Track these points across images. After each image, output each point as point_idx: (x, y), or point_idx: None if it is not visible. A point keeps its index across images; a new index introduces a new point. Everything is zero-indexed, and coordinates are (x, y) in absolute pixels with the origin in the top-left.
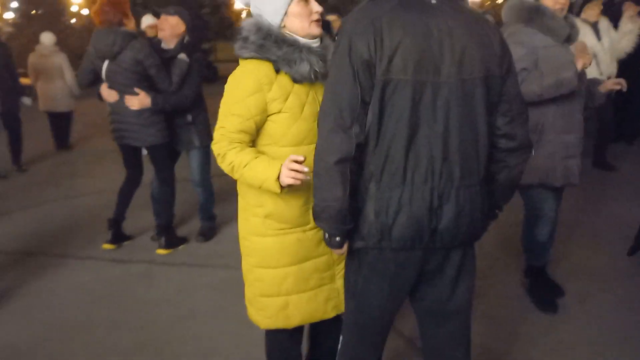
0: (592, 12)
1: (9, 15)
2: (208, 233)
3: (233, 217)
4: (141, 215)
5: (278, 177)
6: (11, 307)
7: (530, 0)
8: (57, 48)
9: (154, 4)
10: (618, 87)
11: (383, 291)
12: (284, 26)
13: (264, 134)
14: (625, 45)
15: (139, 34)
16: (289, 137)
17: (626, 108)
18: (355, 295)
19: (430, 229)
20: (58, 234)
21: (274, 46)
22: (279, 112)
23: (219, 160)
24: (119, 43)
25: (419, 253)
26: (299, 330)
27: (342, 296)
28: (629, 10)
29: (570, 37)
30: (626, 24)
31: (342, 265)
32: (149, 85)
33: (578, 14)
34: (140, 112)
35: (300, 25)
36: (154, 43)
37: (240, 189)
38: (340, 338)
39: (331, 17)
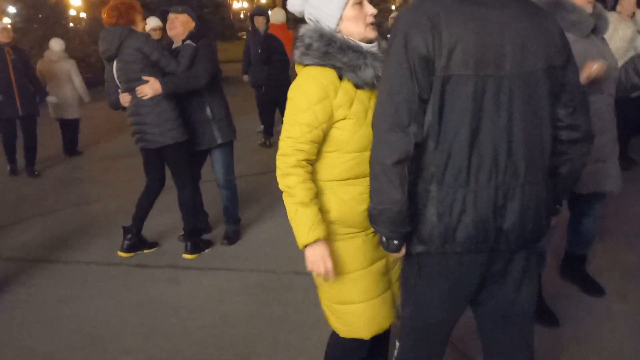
0: (627, 4)
1: (6, 20)
2: (233, 237)
3: (257, 219)
4: (162, 218)
5: (307, 243)
6: (42, 316)
7: None
8: (66, 54)
9: (155, 6)
10: None
11: (445, 297)
12: (339, 31)
13: (329, 141)
14: None
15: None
16: (354, 143)
17: None
18: (415, 302)
19: (495, 229)
20: (78, 241)
21: (338, 53)
22: (345, 118)
23: (278, 173)
24: (117, 37)
25: (483, 256)
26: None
27: (398, 301)
28: None
29: (597, 29)
30: None
31: (397, 269)
32: (158, 74)
33: (613, 8)
34: (152, 110)
35: (357, 29)
36: (164, 45)
37: None
38: (397, 344)
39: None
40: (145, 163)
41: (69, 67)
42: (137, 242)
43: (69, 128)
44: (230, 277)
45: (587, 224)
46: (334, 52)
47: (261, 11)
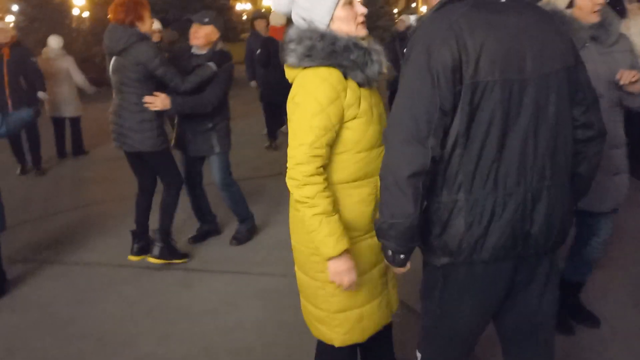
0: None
1: (10, 19)
2: (241, 237)
3: (266, 222)
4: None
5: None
6: (52, 319)
7: (547, 2)
8: (64, 52)
9: (160, 7)
10: None
11: (473, 308)
12: (331, 30)
13: (339, 143)
14: None
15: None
16: (365, 142)
17: None
18: (441, 314)
19: (523, 234)
20: (88, 242)
21: (345, 51)
22: (355, 117)
23: (294, 184)
24: (124, 40)
25: (509, 264)
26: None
27: (393, 297)
28: None
29: (598, 39)
30: None
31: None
32: (156, 86)
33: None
34: (133, 116)
35: (348, 28)
36: (183, 50)
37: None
38: (418, 355)
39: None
40: (130, 164)
41: (67, 65)
42: (145, 244)
43: (72, 127)
44: (242, 281)
45: (595, 246)
46: (339, 51)
47: (261, 14)
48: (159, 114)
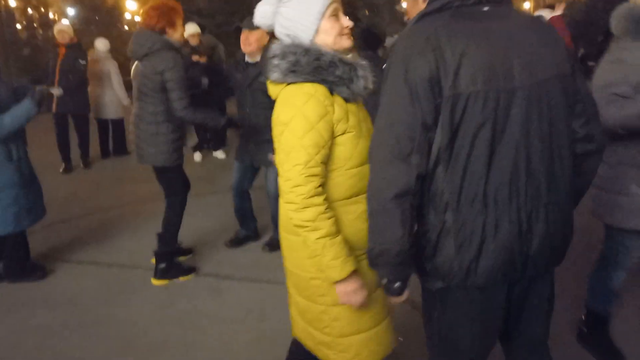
0: None
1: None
2: (274, 244)
3: None
4: (201, 223)
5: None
6: (81, 319)
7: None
8: (109, 55)
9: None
10: None
11: (473, 332)
12: (315, 43)
13: (331, 159)
14: None
15: (184, 43)
16: (356, 157)
17: None
18: (442, 338)
19: (522, 256)
20: (124, 243)
21: (330, 66)
22: (344, 132)
23: (292, 208)
24: (148, 45)
25: (506, 286)
26: None
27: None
28: None
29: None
30: None
31: None
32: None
33: None
34: (149, 127)
35: (333, 41)
36: (238, 60)
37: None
38: None
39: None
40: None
41: (110, 68)
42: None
43: (115, 128)
44: (273, 290)
45: (622, 271)
46: (325, 66)
47: None
48: (177, 128)
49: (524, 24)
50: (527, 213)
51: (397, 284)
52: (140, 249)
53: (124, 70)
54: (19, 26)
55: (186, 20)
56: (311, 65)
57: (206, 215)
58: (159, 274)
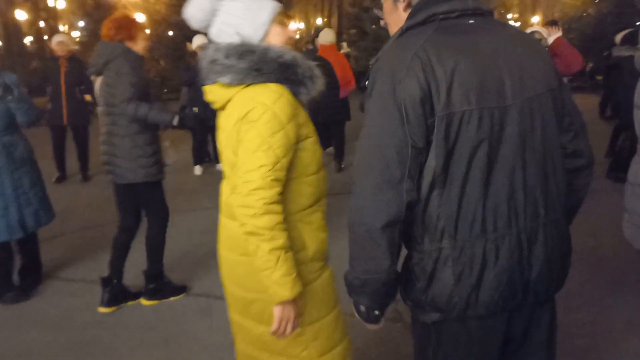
0: None
1: (75, 34)
2: None
3: None
4: (194, 239)
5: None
6: (69, 339)
7: None
8: None
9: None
10: None
11: None
12: None
13: (292, 166)
14: None
15: (191, 54)
16: (314, 164)
17: None
18: None
19: (522, 281)
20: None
21: (292, 65)
22: (306, 137)
23: (249, 213)
24: (107, 54)
25: (506, 315)
26: None
27: None
28: None
29: None
30: None
31: None
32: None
33: None
34: (124, 142)
35: (280, 45)
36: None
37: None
38: None
39: None
40: (116, 197)
41: None
42: (120, 293)
43: None
44: None
45: None
46: (288, 64)
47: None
48: (153, 140)
49: (510, 37)
50: (527, 235)
51: (376, 312)
52: (132, 267)
53: None
54: (31, 38)
55: (195, 32)
56: (275, 63)
57: (203, 231)
58: (149, 295)
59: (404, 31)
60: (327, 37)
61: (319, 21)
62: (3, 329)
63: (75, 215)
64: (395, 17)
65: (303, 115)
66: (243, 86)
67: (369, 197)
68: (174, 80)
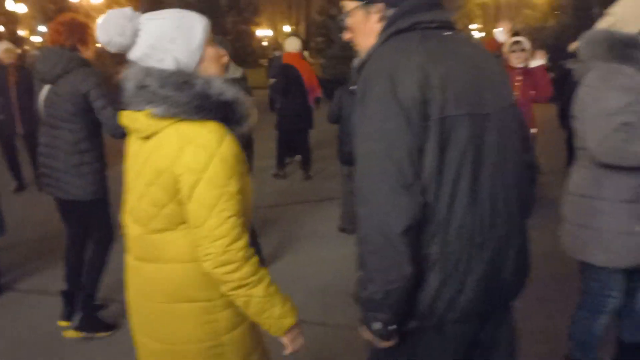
0: None
1: (36, 39)
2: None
3: (273, 255)
4: None
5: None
6: (27, 353)
7: (621, 32)
8: None
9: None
10: None
11: None
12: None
13: None
14: None
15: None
16: (246, 201)
17: None
18: None
19: (498, 286)
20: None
21: (232, 105)
22: (244, 174)
23: (232, 268)
24: (62, 65)
25: (477, 321)
26: None
27: None
28: None
29: None
30: None
31: None
32: (95, 122)
33: None
34: (70, 158)
35: (215, 70)
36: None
37: (194, 291)
38: None
39: None
40: (61, 213)
41: None
42: (92, 319)
43: None
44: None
45: (607, 316)
46: (229, 103)
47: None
48: (101, 156)
49: (480, 52)
50: (505, 240)
51: (393, 327)
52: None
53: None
54: None
55: None
56: (216, 101)
57: None
58: (79, 324)
59: (392, 35)
60: (292, 45)
61: (287, 28)
62: None
63: (32, 224)
64: (366, 28)
65: (240, 151)
66: (175, 120)
67: (385, 203)
68: None
